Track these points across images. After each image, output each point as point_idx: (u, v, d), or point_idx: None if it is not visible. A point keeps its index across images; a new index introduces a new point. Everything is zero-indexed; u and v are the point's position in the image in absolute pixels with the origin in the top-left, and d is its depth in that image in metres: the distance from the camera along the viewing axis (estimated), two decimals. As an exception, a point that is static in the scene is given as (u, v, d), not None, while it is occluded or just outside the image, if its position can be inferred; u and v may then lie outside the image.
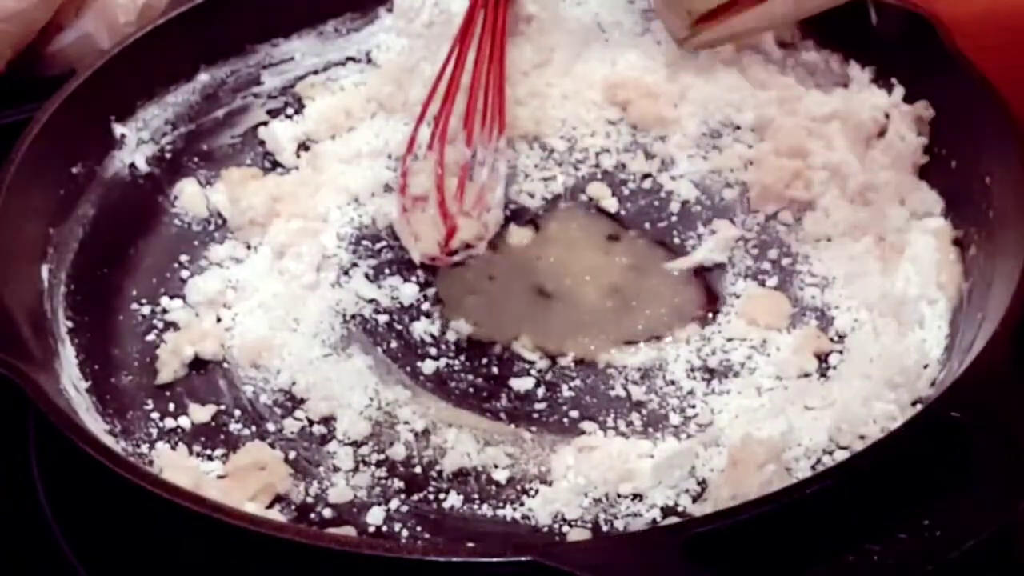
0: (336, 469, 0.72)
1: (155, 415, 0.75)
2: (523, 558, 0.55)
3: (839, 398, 0.72)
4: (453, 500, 0.70)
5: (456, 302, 0.82)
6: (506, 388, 0.76)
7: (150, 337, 0.80)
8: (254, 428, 0.75)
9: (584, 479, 0.69)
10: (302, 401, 0.76)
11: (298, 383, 0.76)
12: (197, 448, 0.73)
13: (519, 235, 0.87)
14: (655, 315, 0.80)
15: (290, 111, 0.96)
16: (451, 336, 0.79)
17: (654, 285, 0.82)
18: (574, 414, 0.74)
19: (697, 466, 0.70)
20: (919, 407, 0.68)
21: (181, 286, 0.83)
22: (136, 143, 0.89)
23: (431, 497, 0.70)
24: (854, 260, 0.81)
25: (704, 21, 0.91)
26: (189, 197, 0.89)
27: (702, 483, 0.69)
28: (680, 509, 0.68)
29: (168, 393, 0.77)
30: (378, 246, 0.87)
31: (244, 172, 0.91)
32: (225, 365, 0.78)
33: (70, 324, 0.77)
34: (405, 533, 0.68)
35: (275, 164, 0.93)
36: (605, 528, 0.68)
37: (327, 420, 0.75)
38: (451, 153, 0.88)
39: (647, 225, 0.87)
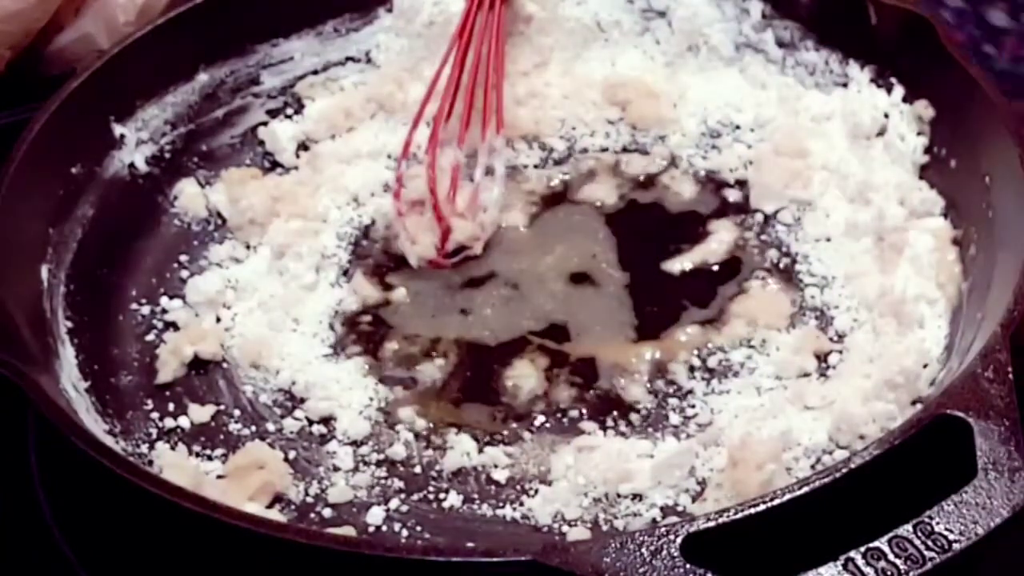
0: (336, 469, 0.72)
1: (155, 415, 0.75)
2: (523, 558, 0.55)
3: (839, 398, 0.72)
4: (453, 500, 0.70)
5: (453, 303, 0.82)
6: (506, 388, 0.76)
7: (150, 337, 0.80)
8: (254, 428, 0.75)
9: (584, 479, 0.69)
10: (302, 401, 0.76)
11: (298, 383, 0.76)
12: (197, 448, 0.73)
13: (518, 235, 0.87)
14: (655, 315, 0.80)
15: (290, 111, 0.96)
16: (450, 336, 0.80)
17: (654, 285, 0.82)
18: (574, 414, 0.74)
19: (697, 466, 0.70)
20: (919, 407, 0.68)
21: (181, 286, 0.84)
22: (136, 143, 0.89)
23: (431, 497, 0.70)
24: (854, 260, 0.81)
25: None
26: (189, 197, 0.89)
27: (702, 483, 0.69)
28: (680, 509, 0.68)
29: (168, 393, 0.77)
30: (378, 246, 0.87)
31: (244, 172, 0.91)
32: (225, 365, 0.78)
33: (70, 324, 0.77)
34: (405, 533, 0.68)
35: (275, 164, 0.93)
36: (605, 528, 0.68)
37: (327, 420, 0.75)
38: (448, 154, 0.88)
39: (647, 225, 0.87)
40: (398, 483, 0.71)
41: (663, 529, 0.55)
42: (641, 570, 0.54)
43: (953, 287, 0.76)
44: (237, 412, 0.76)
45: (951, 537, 0.54)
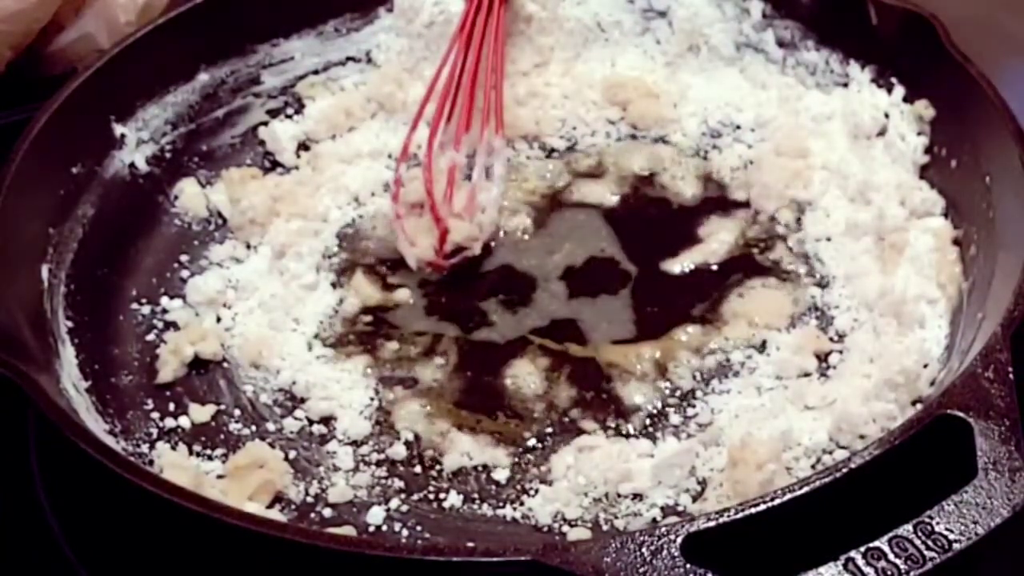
0: (336, 469, 0.72)
1: (155, 415, 0.75)
2: (523, 558, 0.55)
3: (839, 398, 0.72)
4: (453, 500, 0.70)
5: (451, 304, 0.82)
6: (506, 388, 0.76)
7: (150, 337, 0.80)
8: (254, 428, 0.75)
9: (584, 479, 0.69)
10: (302, 401, 0.76)
11: (298, 383, 0.77)
12: (197, 448, 0.73)
13: (519, 235, 0.87)
14: (655, 315, 0.80)
15: (290, 111, 0.97)
16: (450, 335, 0.80)
17: (654, 285, 0.82)
18: (574, 414, 0.74)
19: (697, 466, 0.70)
20: (919, 407, 0.68)
21: (181, 286, 0.84)
22: (136, 143, 0.89)
23: (431, 497, 0.70)
24: (854, 260, 0.81)
25: None
26: (189, 197, 0.89)
27: (702, 483, 0.69)
28: (680, 509, 0.68)
29: (168, 393, 0.77)
30: (378, 246, 0.86)
31: (244, 172, 0.91)
32: (225, 365, 0.78)
33: (70, 324, 0.77)
34: (405, 533, 0.68)
35: (275, 164, 0.93)
36: (605, 528, 0.68)
37: (327, 420, 0.75)
38: (447, 155, 0.88)
39: (647, 225, 0.87)
40: (398, 483, 0.71)
41: (663, 529, 0.55)
42: (641, 570, 0.54)
43: (953, 287, 0.76)
44: (237, 412, 0.76)
45: (951, 537, 0.54)
